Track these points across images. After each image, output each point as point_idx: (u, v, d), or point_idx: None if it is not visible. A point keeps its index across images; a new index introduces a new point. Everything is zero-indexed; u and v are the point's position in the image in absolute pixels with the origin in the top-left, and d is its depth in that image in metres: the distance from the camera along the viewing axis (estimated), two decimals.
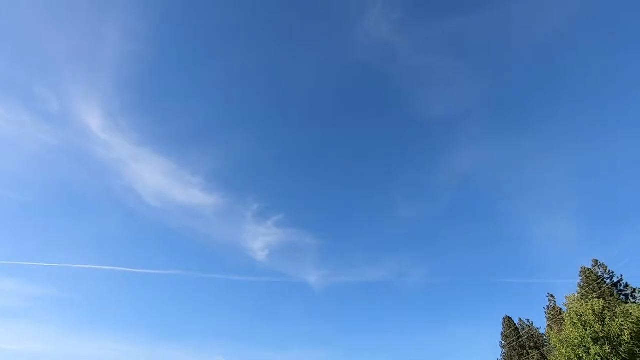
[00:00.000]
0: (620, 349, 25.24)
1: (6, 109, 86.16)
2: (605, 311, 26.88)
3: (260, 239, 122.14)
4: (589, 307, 26.87)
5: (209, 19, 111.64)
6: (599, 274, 41.22)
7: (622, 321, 25.58)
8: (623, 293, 39.49)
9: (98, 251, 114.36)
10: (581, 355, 26.78)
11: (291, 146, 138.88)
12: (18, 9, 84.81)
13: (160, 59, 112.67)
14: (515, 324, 50.68)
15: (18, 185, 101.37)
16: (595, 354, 25.82)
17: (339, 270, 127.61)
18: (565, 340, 28.30)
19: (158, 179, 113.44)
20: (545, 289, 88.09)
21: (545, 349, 45.52)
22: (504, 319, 51.94)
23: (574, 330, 27.25)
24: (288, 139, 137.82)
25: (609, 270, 41.14)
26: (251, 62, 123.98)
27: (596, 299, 28.11)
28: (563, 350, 28.26)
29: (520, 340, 48.61)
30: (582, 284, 41.49)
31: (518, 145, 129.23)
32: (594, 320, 26.06)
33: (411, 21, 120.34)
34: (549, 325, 44.63)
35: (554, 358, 32.31)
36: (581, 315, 26.96)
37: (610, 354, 25.61)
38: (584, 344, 26.48)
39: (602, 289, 39.41)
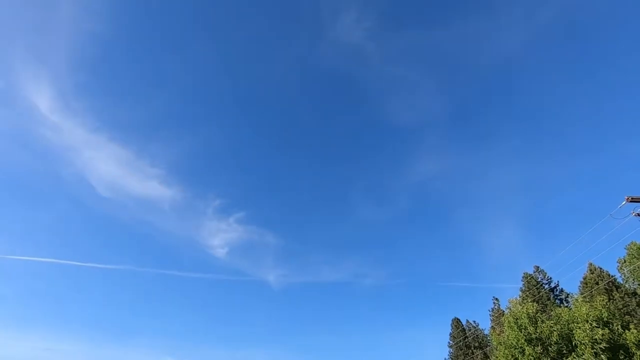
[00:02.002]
0: (550, 349, 27.20)
1: None
2: (538, 314, 28.86)
3: (221, 235, 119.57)
4: (524, 310, 28.75)
5: (180, 6, 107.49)
6: (539, 279, 44.20)
7: (552, 323, 27.61)
8: (558, 297, 42.61)
9: (42, 242, 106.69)
10: (517, 355, 28.60)
11: (256, 144, 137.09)
12: None
13: (123, 40, 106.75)
14: (462, 325, 53.21)
15: None
16: (529, 354, 27.68)
17: (298, 270, 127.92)
18: (504, 342, 30.13)
19: (113, 168, 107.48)
20: (493, 293, 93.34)
21: (488, 348, 48.13)
22: (452, 320, 54.37)
23: (511, 332, 29.04)
24: (253, 136, 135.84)
25: (548, 276, 44.25)
26: (221, 56, 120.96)
27: (530, 303, 30.14)
28: (502, 352, 30.09)
29: (466, 340, 51.08)
30: (523, 288, 44.30)
31: (473, 155, 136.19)
32: (527, 323, 27.91)
33: (382, 31, 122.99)
34: (492, 326, 47.24)
35: (494, 358, 34.25)
36: (517, 319, 28.77)
37: (542, 354, 27.54)
38: (520, 345, 28.30)
39: (541, 294, 42.29)
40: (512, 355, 28.72)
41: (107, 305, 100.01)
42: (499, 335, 34.32)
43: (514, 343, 28.59)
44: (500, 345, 30.14)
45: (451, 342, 53.13)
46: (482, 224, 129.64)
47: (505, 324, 30.58)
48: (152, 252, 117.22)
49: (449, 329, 54.34)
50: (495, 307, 48.53)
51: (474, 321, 53.73)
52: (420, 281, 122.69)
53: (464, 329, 52.92)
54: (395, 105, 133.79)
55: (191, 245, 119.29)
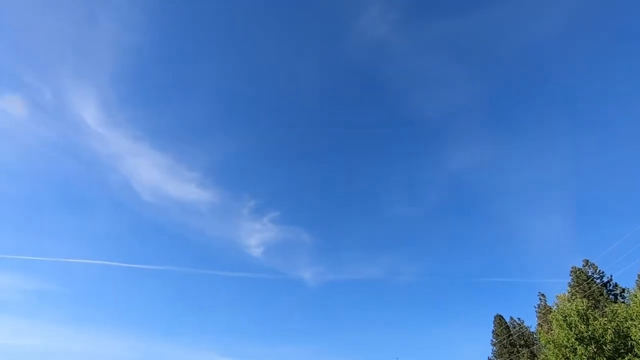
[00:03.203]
0: (605, 348, 25.33)
1: None
2: (589, 311, 26.94)
3: (256, 235, 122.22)
4: (573, 307, 26.94)
5: (207, 15, 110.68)
6: (589, 273, 41.34)
7: (605, 321, 25.67)
8: (612, 293, 39.63)
9: (92, 246, 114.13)
10: (568, 355, 26.89)
11: (288, 144, 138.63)
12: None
13: (158, 51, 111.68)
14: (506, 323, 50.91)
15: (11, 178, 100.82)
16: (581, 354, 25.93)
17: (332, 268, 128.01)
18: (553, 341, 28.42)
19: (154, 174, 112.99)
20: (537, 289, 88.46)
21: (535, 347, 45.76)
22: (495, 317, 52.15)
23: (560, 331, 27.34)
24: (284, 136, 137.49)
25: (599, 270, 41.28)
26: (250, 59, 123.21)
27: (580, 299, 28.19)
28: (551, 351, 28.41)
29: (510, 338, 48.84)
30: (572, 283, 41.63)
31: (509, 145, 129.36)
32: (578, 321, 26.13)
33: (408, 22, 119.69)
34: (539, 324, 44.84)
35: (543, 356, 32.48)
36: (566, 316, 27.02)
37: (596, 353, 25.73)
38: (570, 345, 26.58)
39: (592, 289, 39.54)
40: (563, 355, 27.04)
41: (154, 304, 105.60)
42: (547, 333, 32.45)
43: (564, 342, 26.90)
44: (550, 344, 28.43)
45: (494, 340, 51.01)
46: (523, 216, 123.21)
47: (553, 322, 28.81)
48: (192, 253, 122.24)
49: (490, 327, 52.23)
50: (542, 303, 45.99)
51: (519, 318, 51.32)
52: (458, 277, 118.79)
53: (507, 327, 50.63)
54: (424, 98, 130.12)
55: (228, 245, 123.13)
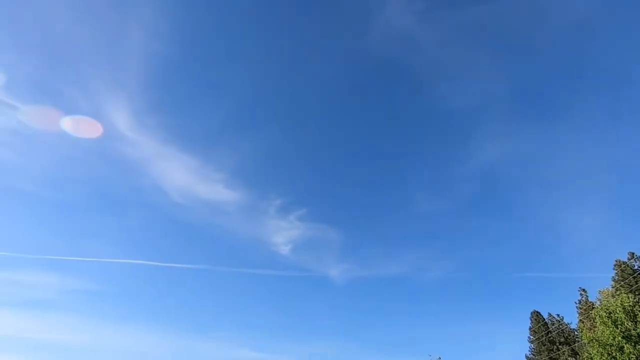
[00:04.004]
0: None
1: (38, 110, 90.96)
2: (636, 307, 25.20)
3: (283, 233, 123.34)
4: (618, 303, 25.31)
5: (230, 18, 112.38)
6: (635, 267, 38.81)
7: None
8: None
9: (129, 246, 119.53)
10: (614, 354, 25.37)
11: (312, 142, 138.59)
12: (43, 11, 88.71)
13: (183, 57, 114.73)
14: (544, 319, 48.77)
15: (52, 184, 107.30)
16: (629, 352, 24.38)
17: (360, 265, 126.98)
18: (596, 339, 26.89)
19: (183, 176, 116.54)
20: (577, 283, 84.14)
21: (576, 344, 43.59)
22: (532, 313, 50.09)
23: (604, 328, 25.80)
24: (309, 135, 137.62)
25: None
26: (273, 60, 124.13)
27: (626, 295, 26.42)
28: (595, 349, 26.91)
29: (549, 335, 46.77)
30: (616, 278, 39.23)
31: (543, 134, 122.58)
32: (624, 318, 24.53)
33: (433, 12, 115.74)
34: (580, 320, 42.63)
35: (587, 354, 30.82)
36: (611, 313, 25.44)
37: None
38: (617, 343, 25.04)
39: (639, 284, 37.10)
40: (609, 354, 25.53)
41: (188, 301, 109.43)
42: (590, 330, 30.75)
43: (610, 340, 25.38)
44: (593, 342, 26.89)
45: (531, 337, 49.04)
46: (560, 208, 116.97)
47: (597, 319, 27.22)
48: (222, 252, 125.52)
49: (526, 324, 50.21)
50: (583, 299, 43.67)
51: (558, 314, 48.99)
52: (490, 273, 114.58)
53: (545, 323, 48.49)
54: (452, 90, 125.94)
55: (257, 243, 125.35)
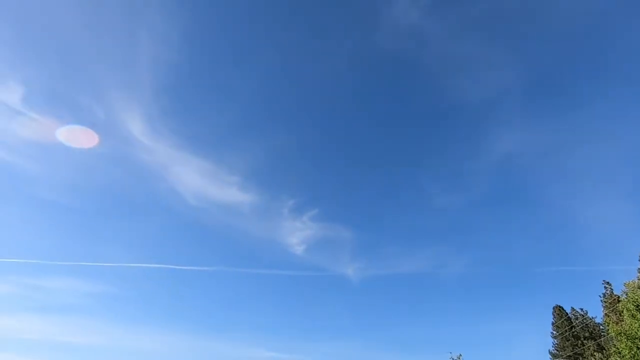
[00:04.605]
0: None
1: (56, 120, 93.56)
2: None
3: (297, 233, 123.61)
4: None
5: (236, 19, 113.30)
6: None
7: None
8: None
9: (147, 250, 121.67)
10: None
11: (323, 141, 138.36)
12: (57, 23, 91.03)
13: (191, 62, 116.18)
14: (567, 314, 47.65)
15: (71, 192, 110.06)
16: None
17: (375, 263, 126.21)
18: (624, 333, 26.11)
19: (198, 179, 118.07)
20: (598, 277, 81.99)
21: (602, 339, 42.45)
22: (554, 308, 49.01)
23: (633, 321, 25.04)
24: (319, 133, 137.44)
25: None
26: (281, 60, 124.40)
27: None
28: (623, 343, 26.13)
29: (573, 330, 45.68)
30: None
31: (561, 127, 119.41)
32: None
33: (441, 5, 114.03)
34: (606, 314, 41.46)
35: (614, 349, 29.97)
36: (638, 305, 24.67)
37: None
38: None
39: None
40: (638, 347, 24.77)
41: (204, 303, 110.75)
42: (616, 324, 29.86)
43: (639, 333, 24.61)
44: (621, 335, 26.14)
45: (554, 332, 47.98)
46: (580, 200, 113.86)
47: (624, 312, 26.44)
48: (237, 253, 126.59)
49: (548, 319, 49.15)
50: (607, 292, 42.44)
51: (581, 309, 47.82)
52: (510, 267, 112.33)
53: (569, 318, 47.37)
54: (464, 82, 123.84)
55: (272, 244, 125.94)
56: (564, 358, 45.05)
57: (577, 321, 46.45)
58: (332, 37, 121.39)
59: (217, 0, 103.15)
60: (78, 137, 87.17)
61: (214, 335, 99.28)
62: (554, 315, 48.65)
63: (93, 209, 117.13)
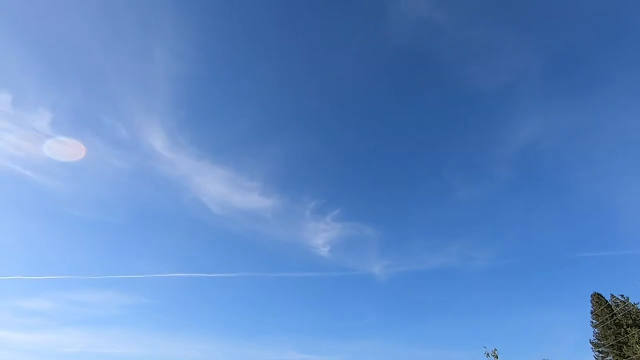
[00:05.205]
0: None
1: (82, 139, 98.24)
2: None
3: (321, 235, 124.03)
4: None
5: (246, 29, 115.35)
6: None
7: None
8: None
9: (176, 260, 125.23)
10: None
11: (340, 140, 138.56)
12: (77, 46, 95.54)
13: (206, 74, 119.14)
14: (606, 301, 45.49)
15: (102, 208, 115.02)
16: None
17: (402, 260, 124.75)
18: None
19: (219, 188, 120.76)
20: (637, 260, 77.65)
21: None
22: (592, 296, 46.90)
23: None
24: (335, 133, 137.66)
25: None
26: (292, 63, 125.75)
27: None
28: None
29: (615, 318, 43.56)
30: None
31: (582, 108, 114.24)
32: None
33: None
34: None
35: None
36: None
37: None
38: None
39: None
40: None
41: (233, 308, 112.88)
42: None
43: None
44: None
45: (594, 321, 45.89)
46: (610, 182, 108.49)
47: None
48: (263, 258, 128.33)
49: (587, 307, 47.09)
50: None
51: (622, 295, 45.54)
52: (541, 257, 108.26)
53: (609, 305, 45.21)
54: (479, 71, 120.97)
55: (296, 247, 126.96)
56: (607, 347, 43.06)
57: (618, 308, 44.29)
58: (342, 37, 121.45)
59: (225, 11, 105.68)
60: (102, 155, 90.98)
61: (246, 340, 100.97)
62: (592, 303, 46.58)
63: (122, 224, 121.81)
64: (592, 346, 45.50)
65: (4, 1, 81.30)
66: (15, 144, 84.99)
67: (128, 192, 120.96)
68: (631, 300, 44.23)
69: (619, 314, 43.52)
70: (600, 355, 44.85)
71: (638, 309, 42.70)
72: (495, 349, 40.04)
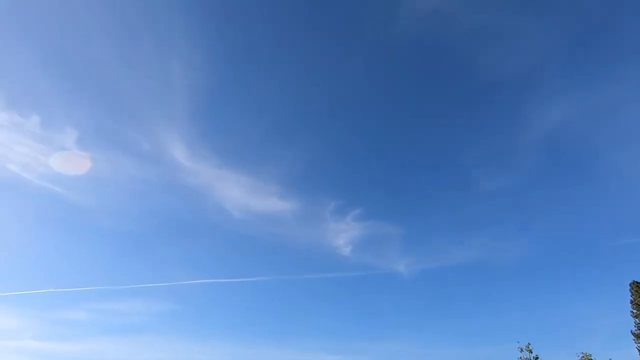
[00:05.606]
0: None
1: (107, 154, 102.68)
2: None
3: (342, 235, 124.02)
4: None
5: (257, 35, 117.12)
6: None
7: None
8: None
9: (201, 267, 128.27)
10: None
11: (356, 138, 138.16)
12: (98, 62, 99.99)
13: (221, 83, 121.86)
14: None
15: (127, 219, 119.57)
16: None
17: (426, 256, 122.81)
18: None
19: (240, 194, 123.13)
20: None
21: None
22: (631, 285, 44.62)
23: None
24: (352, 131, 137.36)
25: None
26: (305, 65, 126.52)
27: None
28: None
29: None
30: None
31: (612, 86, 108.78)
32: None
33: None
34: None
35: None
36: None
37: None
38: None
39: None
40: None
41: (260, 312, 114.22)
42: None
43: None
44: None
45: (635, 311, 43.73)
46: None
47: None
48: (286, 261, 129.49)
49: (626, 297, 44.96)
50: None
51: None
52: (574, 246, 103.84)
53: None
54: (497, 58, 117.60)
55: (318, 249, 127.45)
56: None
57: None
58: (354, 36, 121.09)
59: (236, 18, 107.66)
60: (127, 168, 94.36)
61: (274, 343, 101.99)
62: (631, 292, 44.36)
63: (148, 234, 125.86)
64: (634, 337, 43.37)
65: (36, 32, 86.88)
66: (46, 162, 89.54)
67: (153, 203, 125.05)
68: None
69: None
70: None
71: None
72: (529, 344, 38.83)
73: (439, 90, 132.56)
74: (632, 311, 43.97)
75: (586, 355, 24.84)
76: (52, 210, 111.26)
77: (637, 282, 44.41)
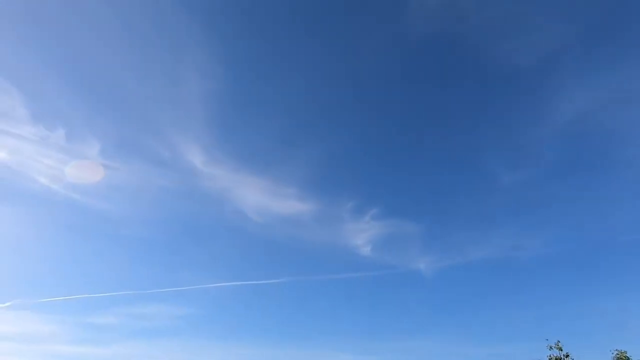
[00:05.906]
0: None
1: (128, 163, 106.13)
2: None
3: (361, 235, 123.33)
4: None
5: (269, 36, 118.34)
6: None
7: None
8: None
9: (221, 270, 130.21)
10: None
11: (373, 136, 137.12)
12: (115, 72, 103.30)
13: (235, 87, 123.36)
14: None
15: (149, 226, 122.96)
16: None
17: (446, 254, 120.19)
18: None
19: (258, 197, 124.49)
20: None
21: None
22: None
23: None
24: (367, 130, 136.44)
25: None
26: (317, 65, 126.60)
27: None
28: None
29: None
30: None
31: (635, 75, 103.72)
32: None
33: None
34: None
35: None
36: None
37: None
38: None
39: None
40: None
41: (283, 314, 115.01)
42: None
43: None
44: None
45: None
46: None
47: None
48: (305, 262, 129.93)
49: None
50: None
51: None
52: (601, 239, 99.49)
53: None
54: (512, 48, 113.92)
55: (337, 249, 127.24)
56: None
57: None
58: (368, 33, 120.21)
59: (246, 23, 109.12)
60: (147, 176, 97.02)
61: (296, 344, 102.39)
62: None
63: (169, 239, 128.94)
64: None
65: (57, 48, 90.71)
66: (72, 173, 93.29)
67: (174, 209, 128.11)
68: None
69: None
70: None
71: None
72: (559, 341, 37.28)
73: (455, 84, 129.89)
74: None
75: (621, 353, 23.70)
76: (79, 219, 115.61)
77: None
